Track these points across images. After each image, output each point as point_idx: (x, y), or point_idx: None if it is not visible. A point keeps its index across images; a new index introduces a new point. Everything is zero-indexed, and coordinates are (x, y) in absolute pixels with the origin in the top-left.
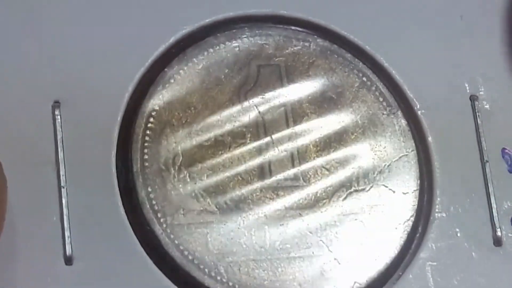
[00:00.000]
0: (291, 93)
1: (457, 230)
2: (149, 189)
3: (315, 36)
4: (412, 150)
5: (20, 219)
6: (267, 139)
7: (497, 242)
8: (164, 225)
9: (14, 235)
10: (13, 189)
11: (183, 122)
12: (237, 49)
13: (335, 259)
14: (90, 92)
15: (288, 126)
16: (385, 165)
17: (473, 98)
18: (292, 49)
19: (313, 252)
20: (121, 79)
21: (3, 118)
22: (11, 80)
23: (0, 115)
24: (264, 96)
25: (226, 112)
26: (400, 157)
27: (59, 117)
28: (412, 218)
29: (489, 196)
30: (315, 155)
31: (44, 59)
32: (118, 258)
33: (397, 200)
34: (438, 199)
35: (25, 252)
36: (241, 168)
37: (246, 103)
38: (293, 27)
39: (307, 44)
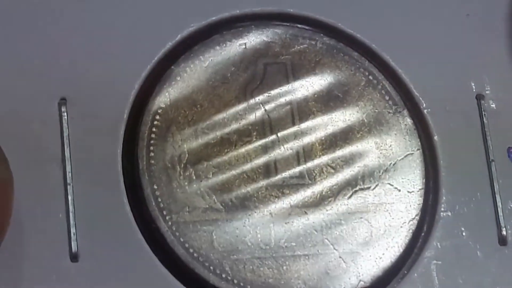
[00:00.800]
0: (297, 91)
1: (462, 229)
2: (155, 187)
3: (322, 35)
4: (417, 149)
5: (26, 216)
6: (273, 137)
7: (502, 241)
8: (170, 223)
9: (20, 231)
10: (19, 186)
11: (189, 120)
12: (244, 47)
13: (340, 257)
14: (97, 89)
15: (294, 124)
16: (390, 163)
17: (479, 97)
18: (299, 47)
19: (318, 250)
20: (128, 76)
21: (10, 115)
22: (18, 78)
23: (7, 112)
24: (270, 94)
25: (232, 110)
26: (405, 156)
27: (65, 114)
28: (417, 217)
29: (495, 195)
30: (320, 153)
31: (50, 57)
32: (123, 255)
33: (402, 199)
34: (444, 198)
35: (31, 249)
36: (247, 166)
37: (252, 101)
38: (299, 25)
39: (313, 42)
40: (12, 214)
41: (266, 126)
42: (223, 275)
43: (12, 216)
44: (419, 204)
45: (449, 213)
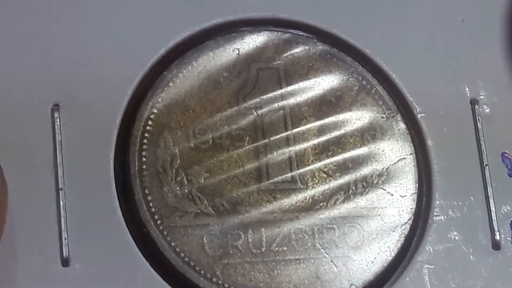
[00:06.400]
0: (290, 96)
1: (455, 233)
2: (146, 191)
3: (315, 40)
4: (411, 154)
5: (18, 220)
6: (265, 142)
7: (496, 245)
8: (161, 227)
9: (12, 236)
10: (11, 191)
11: (181, 125)
12: (237, 52)
13: (331, 261)
14: (90, 95)
15: (286, 129)
16: (383, 168)
17: (473, 102)
18: (292, 52)
19: (309, 255)
20: (121, 82)
21: (2, 120)
22: (11, 83)
23: None
24: (262, 99)
25: (225, 115)
26: (398, 160)
27: (58, 120)
28: (410, 221)
29: (488, 199)
30: (313, 158)
31: (43, 62)
32: (114, 260)
33: (395, 203)
34: (437, 202)
35: (22, 253)
36: (239, 170)
37: (244, 106)
38: (293, 31)
39: (306, 47)
40: (7, 221)
41: (259, 131)
42: (214, 279)
43: (6, 224)
44: (412, 208)
45: (442, 218)
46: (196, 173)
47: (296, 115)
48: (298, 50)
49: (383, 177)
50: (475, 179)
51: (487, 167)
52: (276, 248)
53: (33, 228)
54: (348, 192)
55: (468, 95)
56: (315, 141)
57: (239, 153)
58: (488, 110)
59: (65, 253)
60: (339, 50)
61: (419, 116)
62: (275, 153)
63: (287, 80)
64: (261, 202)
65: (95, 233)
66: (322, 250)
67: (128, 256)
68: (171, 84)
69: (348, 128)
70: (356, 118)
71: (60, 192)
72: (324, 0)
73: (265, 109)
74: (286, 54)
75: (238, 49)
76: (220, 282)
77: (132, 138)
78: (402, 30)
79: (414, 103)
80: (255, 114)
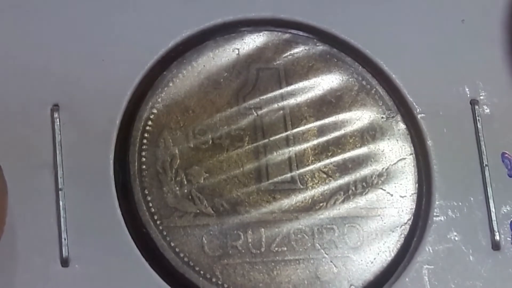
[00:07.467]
0: (290, 96)
1: (455, 233)
2: (146, 192)
3: (315, 40)
4: (410, 154)
5: (17, 220)
6: (265, 142)
7: (496, 246)
8: (160, 227)
9: (11, 236)
10: (11, 191)
11: (181, 125)
12: (237, 52)
13: (331, 262)
14: (89, 95)
15: (286, 130)
16: (383, 168)
17: (473, 103)
18: (292, 52)
19: (309, 255)
20: (121, 82)
21: (2, 121)
22: (10, 84)
23: None
24: (262, 100)
25: (224, 115)
26: (398, 161)
27: (58, 120)
28: (410, 222)
29: (488, 200)
30: (313, 159)
31: (43, 63)
32: (114, 260)
33: (394, 204)
34: (437, 202)
35: (22, 253)
36: (238, 171)
37: (244, 106)
38: (293, 31)
39: (306, 47)
40: (6, 222)
41: (258, 131)
42: (213, 280)
43: (6, 224)
44: (412, 208)
45: (442, 218)
46: (196, 173)
47: (296, 116)
48: (298, 50)
49: (382, 178)
50: (475, 179)
51: (487, 167)
52: (276, 249)
53: (33, 229)
54: (347, 192)
55: (468, 95)
56: (315, 142)
57: (239, 153)
58: (488, 111)
59: (64, 254)
60: (339, 50)
61: (419, 116)
62: (274, 153)
63: (287, 80)
64: (260, 203)
65: (95, 233)
66: (322, 250)
67: (127, 256)
68: (170, 85)
69: (348, 129)
70: (356, 119)
71: (60, 192)
72: (324, 0)
73: (265, 109)
74: (286, 54)
75: (238, 49)
76: (219, 282)
77: (131, 138)
78: (402, 31)
79: (414, 104)
80: (255, 114)
